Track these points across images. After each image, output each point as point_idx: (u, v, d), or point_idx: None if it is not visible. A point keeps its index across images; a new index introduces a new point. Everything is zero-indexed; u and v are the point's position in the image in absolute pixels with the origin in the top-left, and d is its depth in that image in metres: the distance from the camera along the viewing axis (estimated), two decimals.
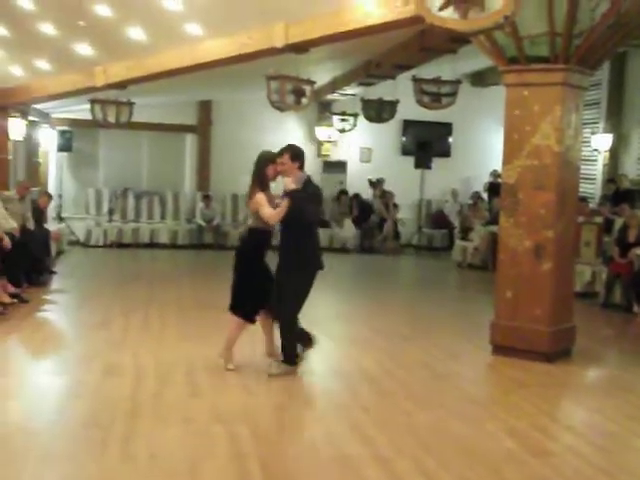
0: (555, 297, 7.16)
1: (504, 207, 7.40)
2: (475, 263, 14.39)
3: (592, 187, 15.41)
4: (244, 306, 6.43)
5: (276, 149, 6.47)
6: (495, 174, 16.61)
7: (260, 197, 6.25)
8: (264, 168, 6.36)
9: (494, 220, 12.62)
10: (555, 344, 7.18)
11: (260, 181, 6.35)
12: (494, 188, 15.63)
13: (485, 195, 17.08)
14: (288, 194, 6.18)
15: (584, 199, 12.36)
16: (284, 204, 6.17)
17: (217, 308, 9.14)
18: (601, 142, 15.13)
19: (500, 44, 7.20)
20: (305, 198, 6.22)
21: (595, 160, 15.46)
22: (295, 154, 6.37)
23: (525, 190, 7.19)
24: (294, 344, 6.47)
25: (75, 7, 9.72)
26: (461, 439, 5.06)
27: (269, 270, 6.48)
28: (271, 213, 6.20)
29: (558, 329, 7.21)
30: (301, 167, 6.39)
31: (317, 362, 7.22)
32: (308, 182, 6.38)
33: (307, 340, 6.60)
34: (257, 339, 6.81)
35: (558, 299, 7.21)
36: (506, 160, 7.35)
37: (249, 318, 6.48)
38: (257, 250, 6.43)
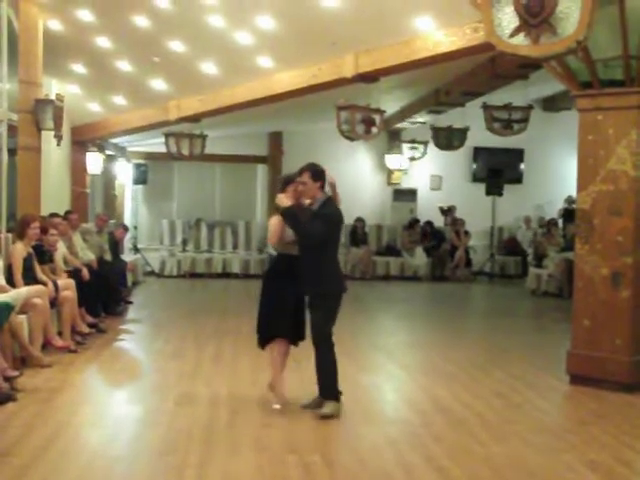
0: (635, 325, 6.95)
1: (579, 233, 7.26)
2: (550, 290, 14.13)
3: None
4: (259, 330, 6.18)
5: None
6: (570, 200, 16.34)
7: (273, 220, 6.02)
8: (281, 192, 6.05)
9: (569, 247, 12.38)
10: (636, 374, 6.96)
11: (277, 206, 6.03)
12: (569, 214, 15.37)
13: (560, 221, 16.81)
14: (281, 212, 5.91)
15: None
16: (273, 222, 5.98)
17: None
18: None
19: (572, 69, 7.11)
20: (304, 214, 5.88)
21: None
22: (316, 173, 5.99)
23: (601, 216, 7.04)
24: (333, 377, 6.06)
25: (150, 44, 10.04)
26: (538, 471, 4.94)
27: (296, 298, 6.10)
28: (271, 234, 6.02)
29: (639, 358, 7.00)
30: (323, 187, 6.03)
31: (390, 391, 7.17)
32: (327, 202, 6.01)
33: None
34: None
35: (638, 327, 7.00)
36: (580, 186, 7.22)
37: (260, 343, 6.24)
38: (280, 275, 6.10)
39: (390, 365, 8.31)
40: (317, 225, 5.89)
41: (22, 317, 7.28)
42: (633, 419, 6.31)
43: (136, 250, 16.36)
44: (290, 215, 5.88)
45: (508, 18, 5.75)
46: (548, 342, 9.66)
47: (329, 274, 6.09)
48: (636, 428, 6.14)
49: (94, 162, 14.34)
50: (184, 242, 16.79)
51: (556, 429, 6.03)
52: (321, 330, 6.01)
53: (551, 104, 17.33)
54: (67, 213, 10.63)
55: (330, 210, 6.02)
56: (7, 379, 6.35)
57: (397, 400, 6.87)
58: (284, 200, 5.94)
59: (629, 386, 6.88)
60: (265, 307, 6.14)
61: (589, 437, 5.70)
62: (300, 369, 6.89)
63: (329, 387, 6.04)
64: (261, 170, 17.86)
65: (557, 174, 17.87)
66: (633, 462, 5.23)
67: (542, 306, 13.56)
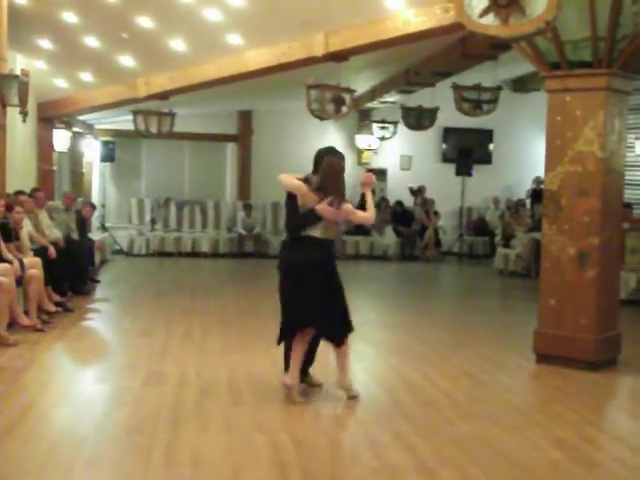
0: (600, 305, 7.05)
1: (547, 214, 7.32)
2: (517, 270, 14.26)
3: (637, 193, 15.17)
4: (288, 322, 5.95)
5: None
6: (538, 181, 16.47)
7: (349, 205, 5.87)
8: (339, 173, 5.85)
9: (537, 227, 12.49)
10: (600, 352, 7.07)
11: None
12: (537, 195, 15.50)
13: (528, 202, 16.94)
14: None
15: (629, 205, 12.17)
16: (371, 200, 6.02)
17: (258, 317, 9.22)
18: None
19: (541, 49, 7.13)
20: None
21: None
22: None
23: (568, 197, 7.10)
24: None
25: (118, 20, 9.89)
26: (505, 449, 5.00)
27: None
28: (367, 214, 6.02)
29: (603, 337, 7.10)
30: None
31: (359, 371, 7.20)
32: None
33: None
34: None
35: (603, 307, 7.10)
36: (548, 167, 7.27)
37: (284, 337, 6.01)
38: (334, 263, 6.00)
39: (360, 344, 8.31)
40: None
41: None
42: (597, 397, 6.43)
43: (104, 229, 16.22)
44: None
45: None
46: (515, 321, 9.77)
47: None
48: (600, 405, 6.27)
49: (61, 139, 14.13)
50: (153, 221, 16.68)
51: (522, 407, 6.11)
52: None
53: (520, 85, 17.40)
54: (33, 191, 10.46)
55: None
56: None
57: (366, 379, 6.90)
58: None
59: (593, 364, 6.99)
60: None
61: (554, 415, 5.78)
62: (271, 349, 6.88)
63: None
64: (230, 149, 17.76)
65: (526, 155, 17.99)
66: (596, 439, 5.33)
67: (509, 286, 13.69)
